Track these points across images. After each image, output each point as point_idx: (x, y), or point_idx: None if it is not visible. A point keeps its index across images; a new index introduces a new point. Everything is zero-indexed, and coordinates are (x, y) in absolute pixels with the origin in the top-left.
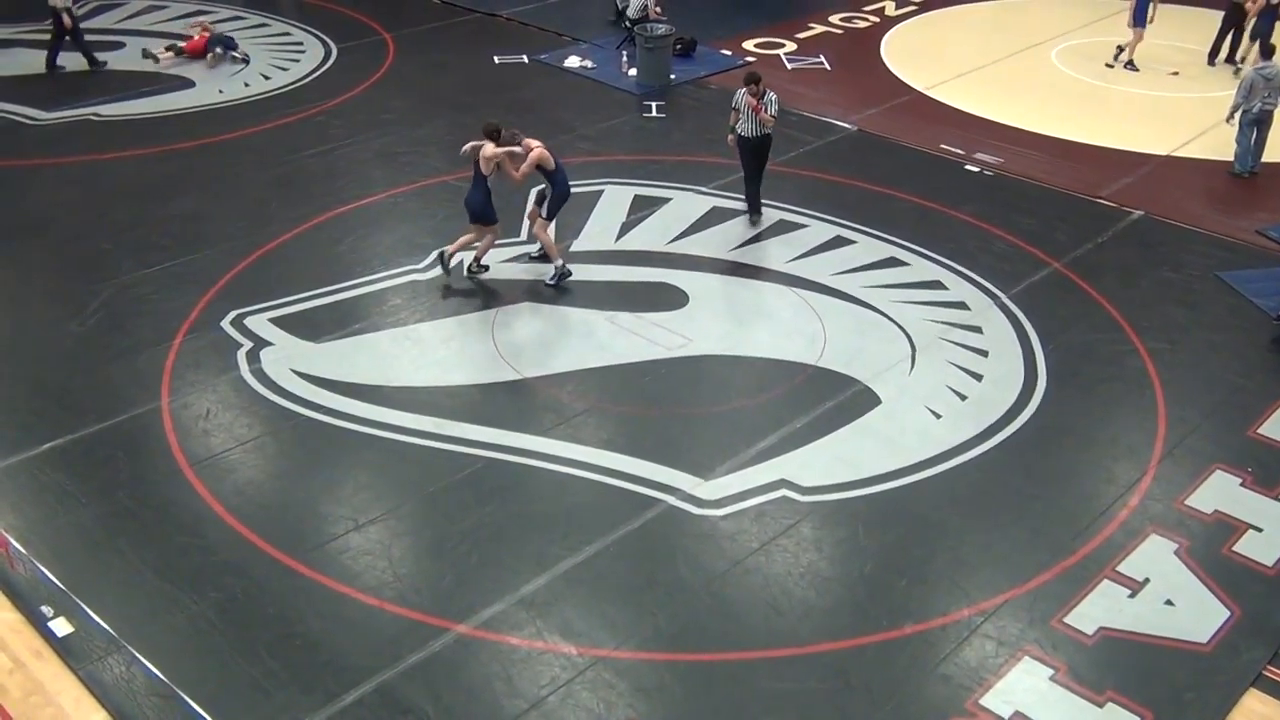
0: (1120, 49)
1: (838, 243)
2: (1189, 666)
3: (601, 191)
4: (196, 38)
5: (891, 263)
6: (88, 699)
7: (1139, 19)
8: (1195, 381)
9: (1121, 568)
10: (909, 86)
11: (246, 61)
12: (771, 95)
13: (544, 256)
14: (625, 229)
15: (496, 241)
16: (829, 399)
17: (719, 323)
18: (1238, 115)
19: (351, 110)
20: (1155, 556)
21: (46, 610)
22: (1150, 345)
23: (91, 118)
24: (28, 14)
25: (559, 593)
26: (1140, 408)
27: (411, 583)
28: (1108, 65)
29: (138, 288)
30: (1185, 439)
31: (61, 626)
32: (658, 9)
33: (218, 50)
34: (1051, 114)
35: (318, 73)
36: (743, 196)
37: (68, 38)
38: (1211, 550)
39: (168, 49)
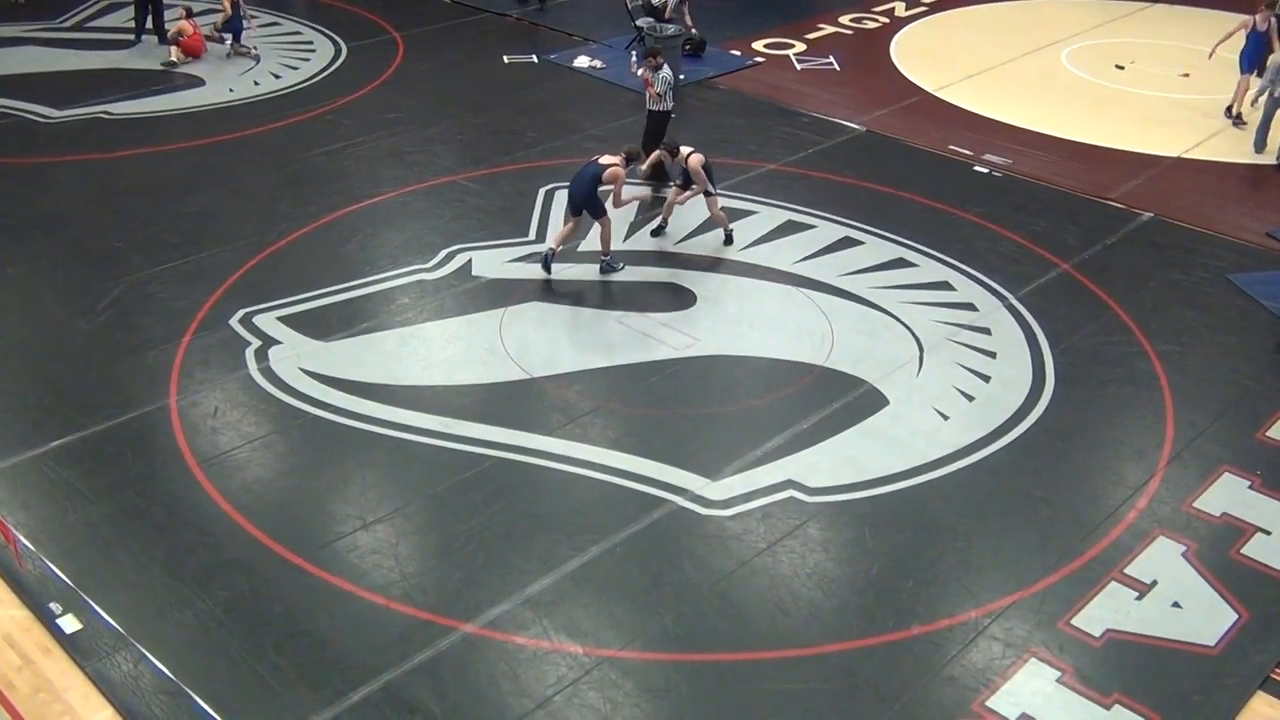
0: (1235, 115)
1: (846, 243)
2: (1197, 669)
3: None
4: (189, 36)
5: (900, 263)
6: (95, 696)
7: (1251, 65)
8: (1204, 384)
9: (1129, 570)
10: (918, 87)
11: (257, 60)
12: (664, 74)
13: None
14: (633, 229)
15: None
16: (836, 400)
17: (727, 323)
18: (1263, 97)
19: (361, 109)
20: (1163, 559)
21: (55, 607)
22: (1159, 347)
23: (103, 116)
24: (37, 13)
25: (566, 592)
26: (1149, 410)
27: (418, 581)
28: (1118, 67)
29: (147, 285)
30: (1194, 441)
31: (70, 623)
32: (689, 19)
33: (228, 40)
34: (1061, 115)
35: (328, 72)
36: (749, 195)
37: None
38: (1219, 553)
39: (173, 41)
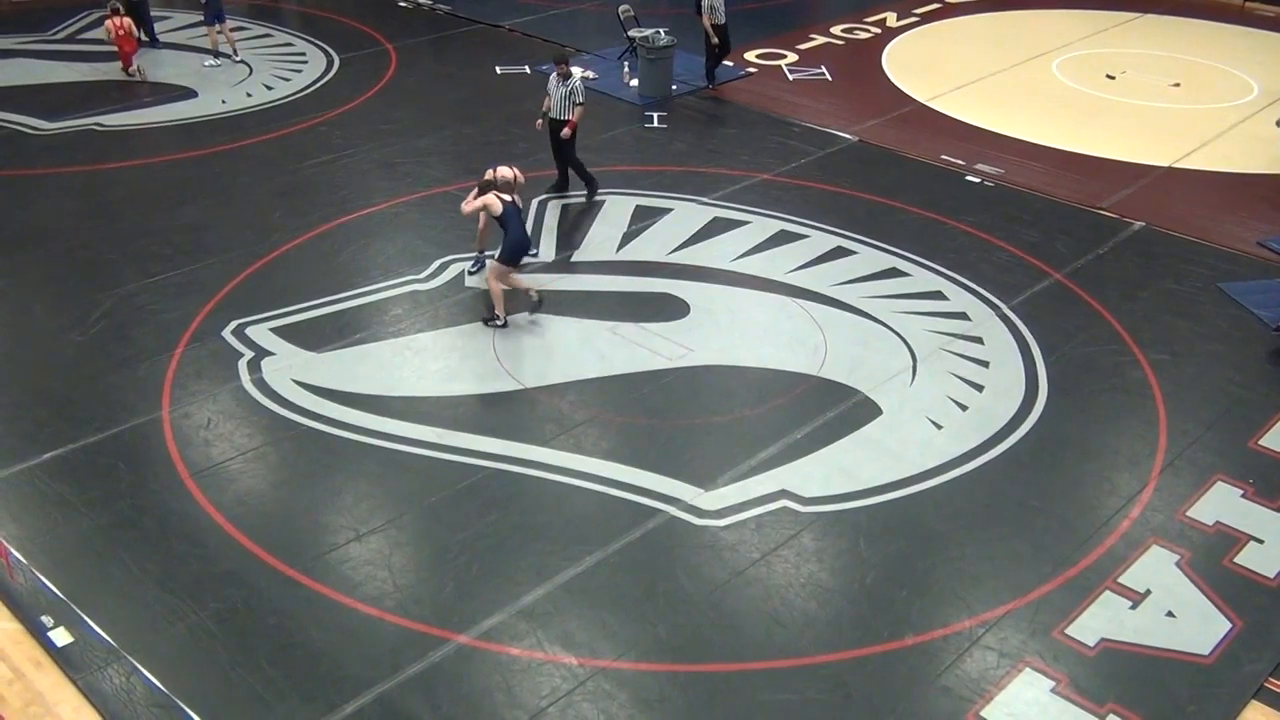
0: None
1: (839, 253)
2: (1190, 678)
3: (603, 202)
4: (117, 36)
5: (892, 273)
6: (87, 709)
7: None
8: (1196, 393)
9: (1123, 579)
10: (910, 98)
11: (249, 70)
12: (577, 83)
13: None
14: (626, 239)
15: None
16: (830, 409)
17: (720, 333)
18: None
19: (354, 121)
20: (1157, 568)
21: (46, 620)
22: (1151, 356)
23: (94, 128)
24: (28, 25)
25: (559, 603)
26: (1141, 419)
27: (412, 593)
28: (1109, 77)
29: (139, 297)
30: (1186, 450)
31: (61, 636)
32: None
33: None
34: (1053, 125)
35: (320, 83)
36: (742, 205)
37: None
38: (1213, 562)
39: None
